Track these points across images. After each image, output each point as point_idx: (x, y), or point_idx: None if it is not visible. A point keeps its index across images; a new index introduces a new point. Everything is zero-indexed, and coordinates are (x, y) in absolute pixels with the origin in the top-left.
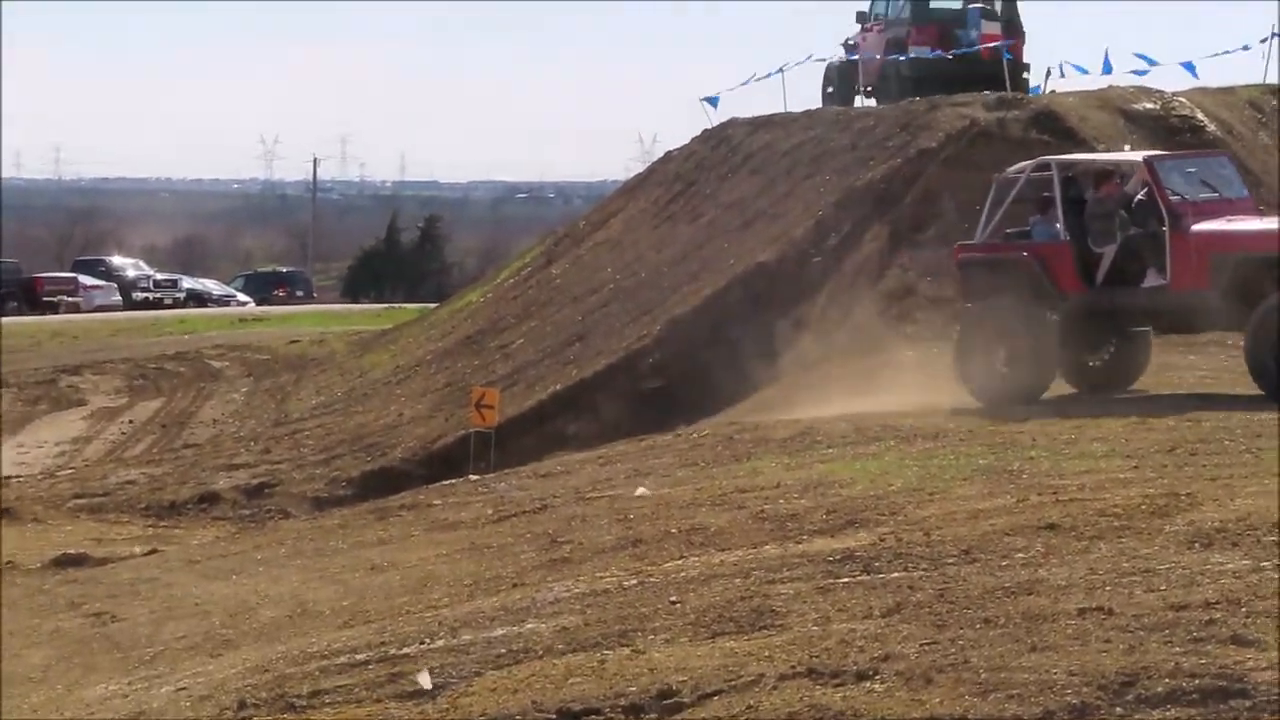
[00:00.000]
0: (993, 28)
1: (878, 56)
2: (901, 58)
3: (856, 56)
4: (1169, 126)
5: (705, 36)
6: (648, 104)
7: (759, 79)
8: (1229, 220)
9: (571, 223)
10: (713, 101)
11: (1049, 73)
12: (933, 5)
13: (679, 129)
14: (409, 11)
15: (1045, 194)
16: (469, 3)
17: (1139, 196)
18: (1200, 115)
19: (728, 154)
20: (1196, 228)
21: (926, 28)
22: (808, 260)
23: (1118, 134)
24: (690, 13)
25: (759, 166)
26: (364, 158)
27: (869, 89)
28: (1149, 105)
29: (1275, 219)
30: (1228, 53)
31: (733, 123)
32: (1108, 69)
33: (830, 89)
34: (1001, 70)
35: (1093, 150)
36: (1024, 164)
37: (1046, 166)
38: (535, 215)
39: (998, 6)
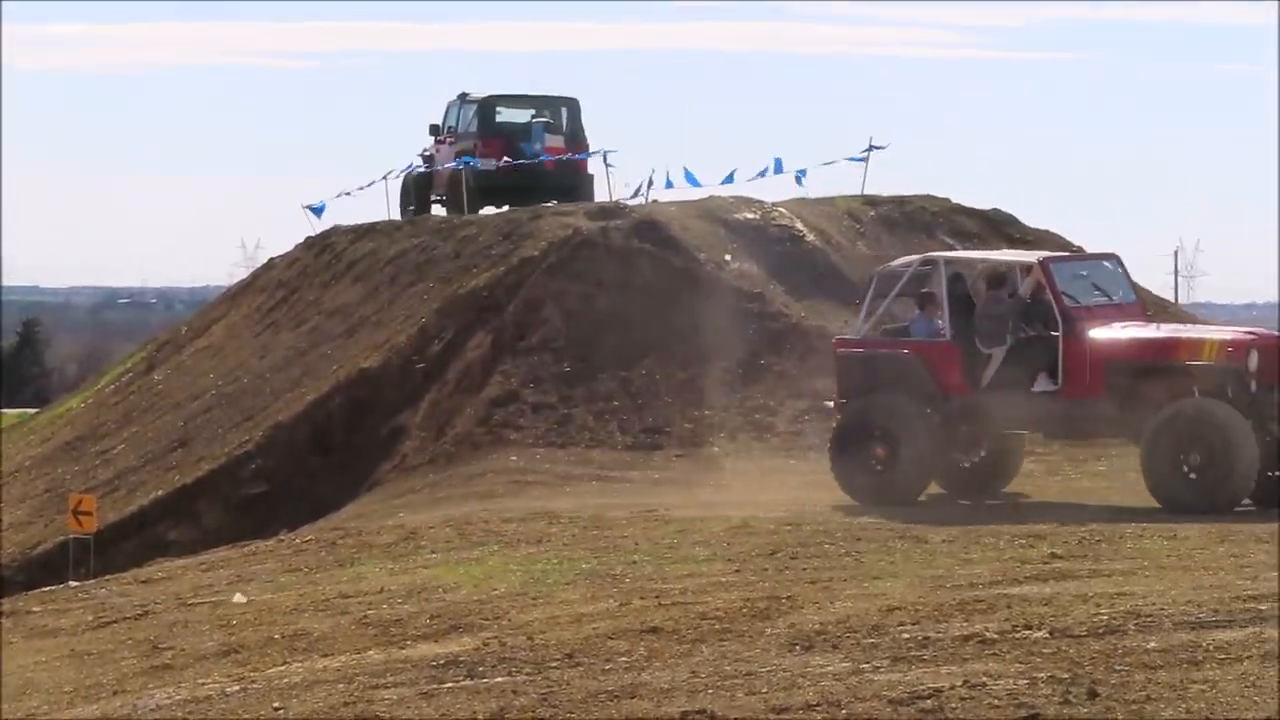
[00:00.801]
0: (556, 141)
1: (449, 167)
2: (470, 166)
3: (431, 168)
4: (770, 236)
5: (308, 143)
6: (251, 209)
7: (361, 189)
8: (1123, 327)
9: (173, 328)
10: (316, 210)
11: (651, 182)
12: (498, 120)
13: (283, 235)
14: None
15: (926, 290)
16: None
17: (1027, 298)
18: (800, 225)
19: (331, 261)
20: (1092, 334)
21: (492, 141)
22: (411, 367)
23: (719, 243)
24: (290, 122)
25: (363, 274)
26: None
27: (443, 198)
28: (749, 215)
29: (1170, 326)
30: (829, 163)
31: (336, 230)
32: (693, 182)
33: (408, 199)
34: (566, 180)
35: (694, 258)
36: (908, 259)
37: (931, 262)
38: (137, 320)
39: (563, 122)
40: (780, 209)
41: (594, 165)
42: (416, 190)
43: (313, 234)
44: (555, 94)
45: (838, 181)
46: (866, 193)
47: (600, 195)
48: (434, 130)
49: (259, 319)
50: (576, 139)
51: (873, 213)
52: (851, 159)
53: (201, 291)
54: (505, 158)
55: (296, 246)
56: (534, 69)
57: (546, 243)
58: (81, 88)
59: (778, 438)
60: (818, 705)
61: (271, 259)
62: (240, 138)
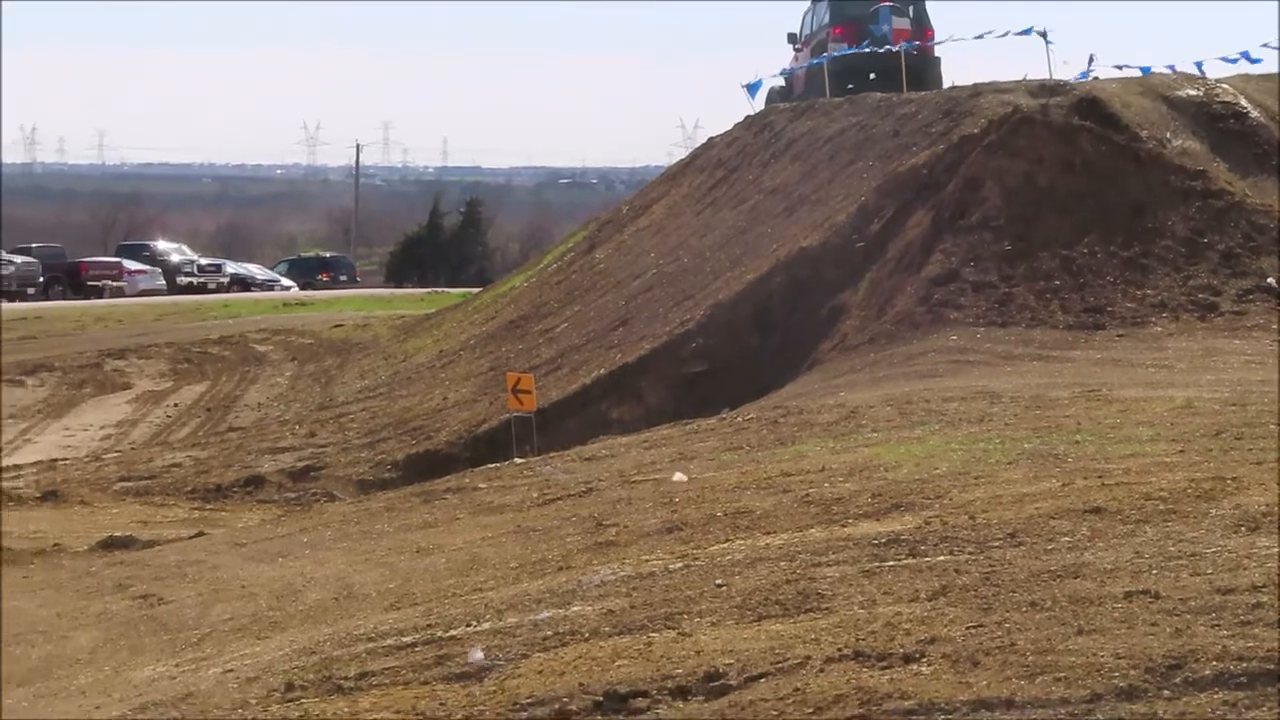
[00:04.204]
0: (902, 23)
1: (805, 66)
2: (824, 58)
3: (788, 77)
4: (1212, 113)
5: (747, 25)
6: (689, 91)
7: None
8: None
9: (614, 208)
10: (752, 89)
11: (1091, 59)
12: (849, 9)
13: (722, 115)
14: (451, 11)
15: None
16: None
17: None
18: (1244, 102)
19: (770, 140)
20: None
21: (845, 27)
22: (851, 246)
23: (1161, 121)
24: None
25: (801, 153)
26: (406, 144)
27: (800, 96)
28: (1192, 92)
29: None
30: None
31: (775, 109)
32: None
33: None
34: (914, 63)
35: (1136, 135)
36: None
37: None
38: (578, 201)
39: (910, 8)
40: (1224, 85)
41: (997, 48)
42: (781, 100)
43: (751, 113)
44: None
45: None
46: None
47: (1040, 73)
48: (791, 39)
49: (699, 198)
50: (921, 23)
51: None
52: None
53: (641, 171)
54: (855, 42)
55: (736, 125)
56: None
57: (986, 120)
58: None
59: (1221, 317)
60: (1263, 586)
61: (711, 138)
62: (667, 24)
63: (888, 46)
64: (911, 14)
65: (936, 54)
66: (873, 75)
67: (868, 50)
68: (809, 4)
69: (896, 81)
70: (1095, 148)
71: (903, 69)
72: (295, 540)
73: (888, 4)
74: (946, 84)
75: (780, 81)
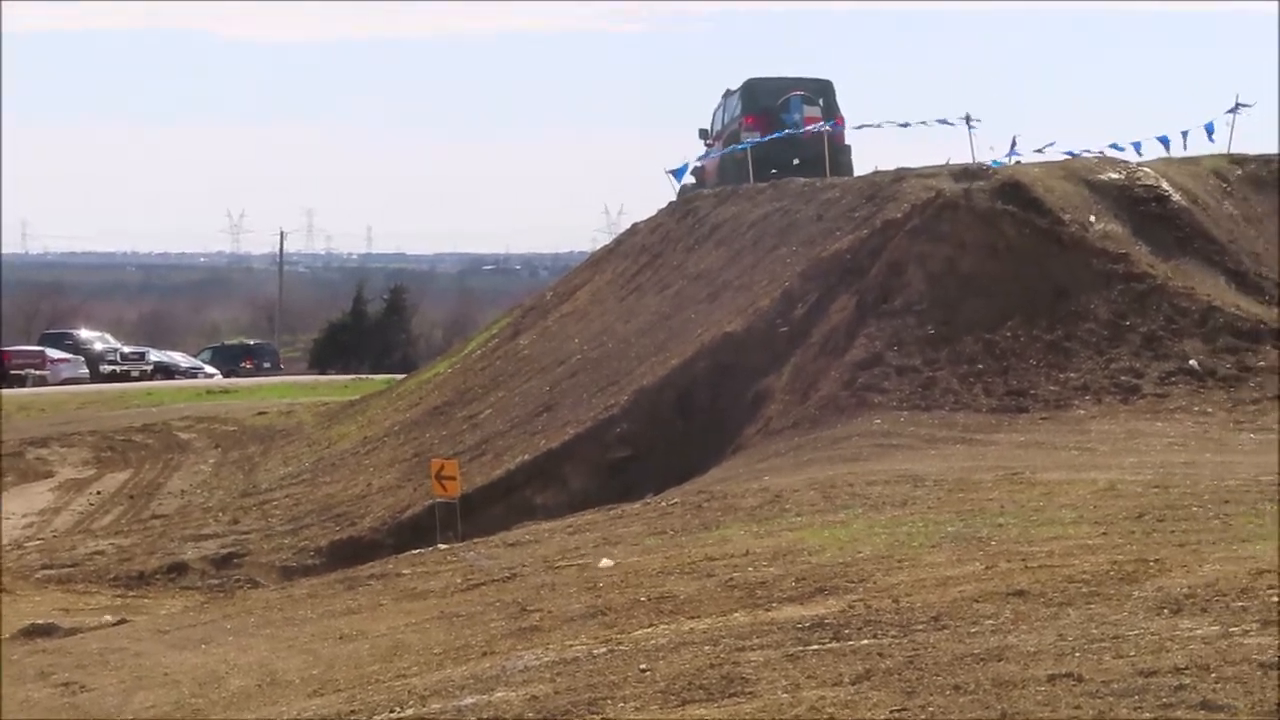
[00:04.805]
0: (814, 111)
1: (719, 153)
2: (736, 148)
3: (700, 168)
4: (1134, 197)
5: (672, 110)
6: (614, 176)
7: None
8: None
9: (538, 294)
10: (678, 174)
11: (1014, 142)
12: (760, 100)
13: (645, 202)
14: (373, 95)
15: None
16: (429, 93)
17: None
18: (1165, 185)
19: (694, 225)
20: None
21: (757, 117)
22: (775, 330)
23: (1084, 204)
24: (658, 89)
25: (725, 238)
26: (331, 230)
27: (713, 186)
28: (1114, 175)
29: None
30: (1184, 133)
31: (699, 195)
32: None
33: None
34: (824, 153)
35: (1059, 219)
36: None
37: None
38: (502, 287)
39: (820, 98)
40: (1145, 169)
41: (921, 133)
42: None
43: (675, 199)
44: (810, 76)
45: (1200, 142)
46: (1232, 151)
47: (962, 157)
48: (703, 134)
49: (623, 284)
50: (831, 111)
51: (1239, 171)
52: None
53: (566, 257)
54: (767, 131)
55: (660, 212)
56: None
57: (909, 204)
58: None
59: (1144, 400)
60: (1186, 669)
61: (635, 224)
62: (604, 100)
63: (806, 129)
64: (821, 103)
65: (847, 142)
66: (797, 161)
67: (788, 134)
68: (719, 100)
69: (817, 168)
70: (1018, 231)
71: (826, 154)
72: (218, 627)
73: (798, 94)
74: (869, 169)
75: (690, 179)
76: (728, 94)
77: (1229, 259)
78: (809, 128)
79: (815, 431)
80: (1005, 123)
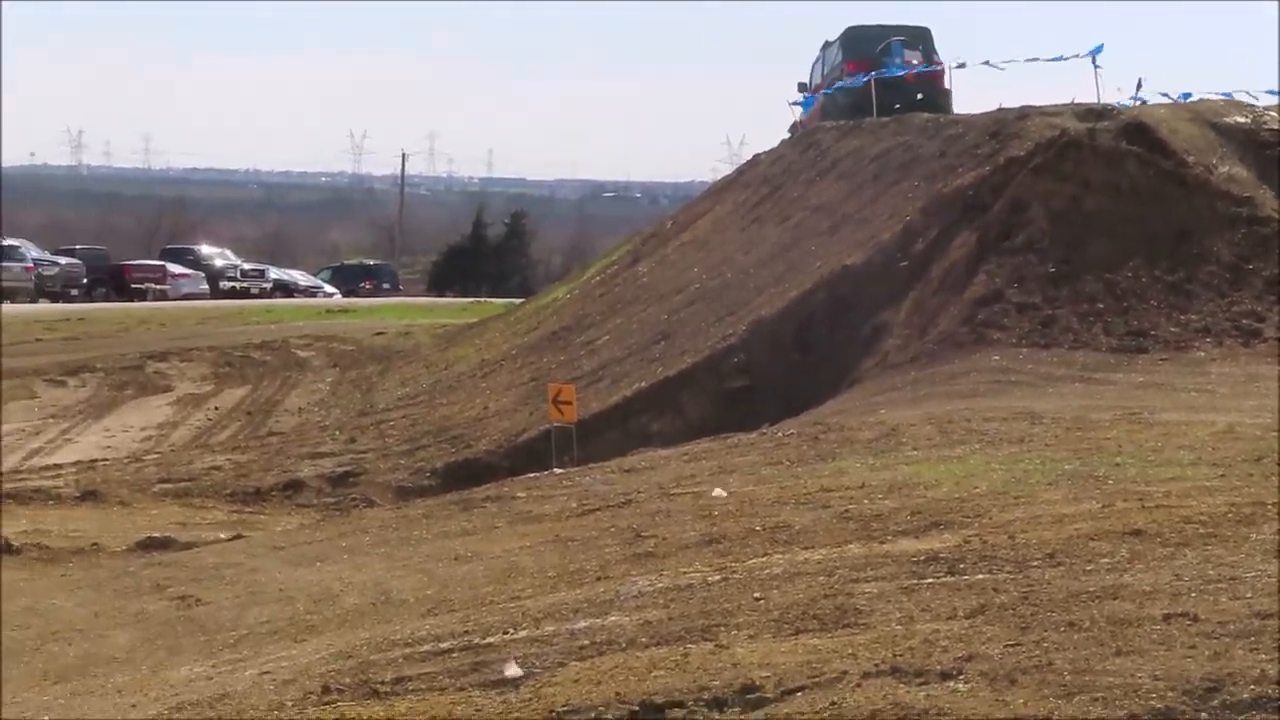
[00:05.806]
0: (915, 56)
1: (817, 99)
2: (839, 88)
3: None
4: (1259, 141)
5: (798, 41)
6: (737, 107)
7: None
8: None
9: (659, 222)
10: (805, 105)
11: (1139, 83)
12: (861, 47)
13: (768, 132)
14: (500, 22)
15: None
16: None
17: None
18: None
19: (816, 158)
20: None
21: (859, 63)
22: (894, 265)
23: (1208, 147)
24: (786, 11)
25: (847, 171)
26: (452, 154)
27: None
28: (1239, 119)
29: None
30: None
31: (821, 127)
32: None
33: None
34: (925, 94)
35: (1182, 161)
36: None
37: None
38: (621, 214)
39: (920, 43)
40: (1271, 112)
41: (1046, 74)
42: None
43: (798, 129)
44: (910, 24)
45: None
46: None
47: (1088, 97)
48: (801, 88)
49: (744, 214)
50: (930, 58)
51: None
52: None
53: (686, 187)
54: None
55: (781, 142)
56: None
57: (1033, 143)
58: None
59: (1265, 344)
60: None
61: (757, 155)
62: (728, 33)
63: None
64: (921, 49)
65: (947, 87)
66: (898, 105)
67: (889, 76)
68: (818, 53)
69: (931, 107)
70: (1142, 172)
71: (950, 90)
72: (333, 545)
73: (898, 39)
74: (993, 107)
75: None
76: (826, 45)
77: None
78: (911, 68)
79: (933, 367)
80: (1131, 65)
